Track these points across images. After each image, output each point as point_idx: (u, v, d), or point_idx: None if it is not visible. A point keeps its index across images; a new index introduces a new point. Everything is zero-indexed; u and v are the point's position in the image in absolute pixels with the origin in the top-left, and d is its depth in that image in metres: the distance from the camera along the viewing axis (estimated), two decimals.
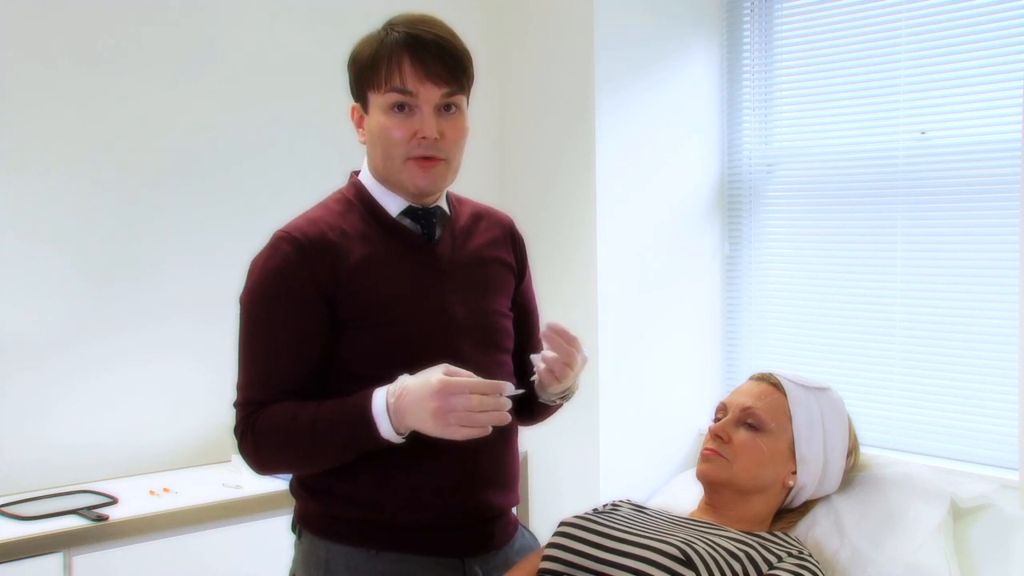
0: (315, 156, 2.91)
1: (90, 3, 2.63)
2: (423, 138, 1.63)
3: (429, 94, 1.63)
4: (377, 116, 1.65)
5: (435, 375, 1.51)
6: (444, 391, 1.48)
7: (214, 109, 2.83)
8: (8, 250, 2.55)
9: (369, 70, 1.65)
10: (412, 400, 1.51)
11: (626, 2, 3.01)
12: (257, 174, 2.89)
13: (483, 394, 1.50)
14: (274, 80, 2.92)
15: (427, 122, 1.63)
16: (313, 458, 1.64)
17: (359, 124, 1.71)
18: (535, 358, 1.74)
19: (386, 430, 1.55)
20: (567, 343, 1.68)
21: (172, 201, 2.77)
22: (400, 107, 1.63)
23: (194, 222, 2.80)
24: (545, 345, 1.70)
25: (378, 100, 1.65)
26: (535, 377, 1.76)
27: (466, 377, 1.52)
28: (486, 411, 1.50)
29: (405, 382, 1.54)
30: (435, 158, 1.65)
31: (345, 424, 1.57)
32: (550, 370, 1.70)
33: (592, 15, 2.95)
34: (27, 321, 2.58)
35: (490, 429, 1.53)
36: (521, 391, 1.55)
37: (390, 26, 1.66)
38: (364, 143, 1.72)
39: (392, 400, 1.54)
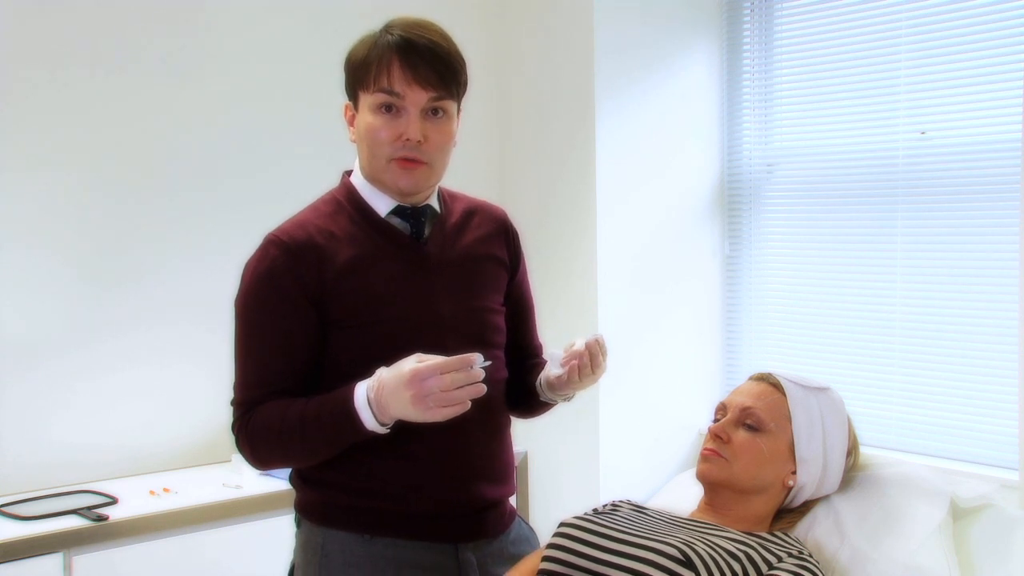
0: (314, 159, 2.90)
1: (90, 7, 2.63)
2: (407, 140, 1.65)
3: (416, 97, 1.64)
4: (365, 115, 1.68)
5: (407, 364, 1.54)
6: (416, 377, 1.51)
7: (213, 113, 2.83)
8: (9, 253, 2.55)
9: (361, 70, 1.67)
10: (389, 391, 1.54)
11: (626, 3, 3.01)
12: (256, 177, 2.89)
13: (455, 371, 1.52)
14: (273, 84, 2.91)
15: (412, 124, 1.65)
16: (304, 453, 1.68)
17: (351, 122, 1.73)
18: (554, 357, 1.76)
19: (370, 422, 1.58)
20: (602, 352, 1.75)
21: (172, 204, 2.77)
22: (387, 108, 1.65)
23: (194, 225, 2.81)
24: (582, 350, 1.73)
25: (367, 100, 1.67)
26: (546, 376, 1.79)
27: (435, 357, 1.54)
28: (461, 387, 1.52)
29: (381, 375, 1.57)
30: (418, 160, 1.67)
31: (331, 419, 1.61)
32: (577, 370, 1.74)
33: (592, 16, 2.95)
34: (28, 323, 2.58)
35: (469, 404, 1.55)
36: (489, 362, 1.56)
37: (387, 28, 1.68)
38: (354, 141, 1.74)
39: (372, 394, 1.57)
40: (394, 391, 1.53)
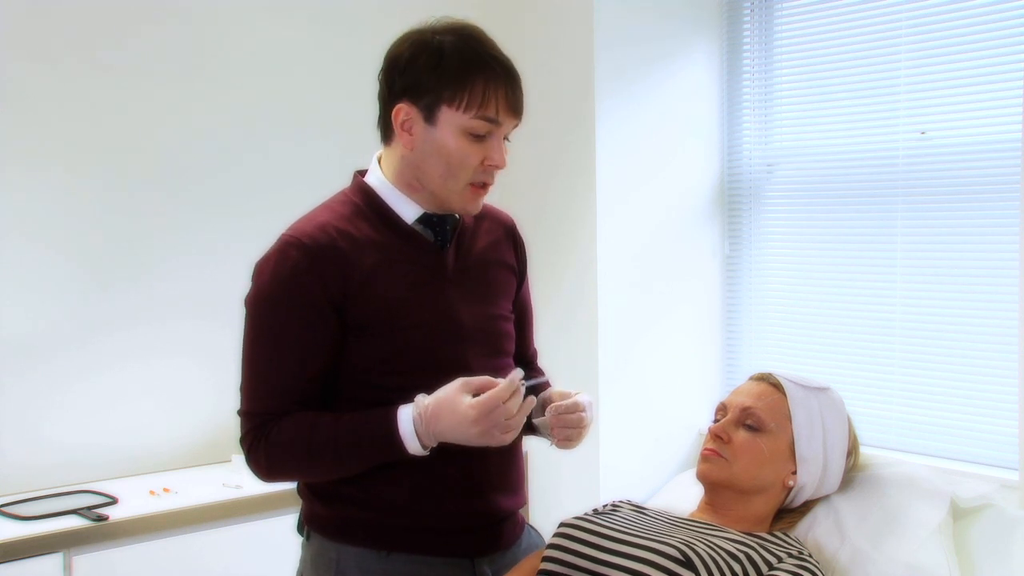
0: (317, 156, 2.91)
1: (93, 4, 2.63)
2: (491, 165, 1.64)
3: (509, 126, 1.65)
4: (450, 135, 1.61)
5: (461, 400, 1.53)
6: (483, 413, 1.52)
7: (216, 109, 2.83)
8: (10, 250, 2.55)
9: (455, 86, 1.59)
10: (450, 427, 1.54)
11: (626, 2, 3.01)
12: (258, 175, 2.89)
13: (511, 397, 1.53)
14: (276, 81, 2.91)
15: (500, 151, 1.64)
16: (332, 472, 1.66)
17: (406, 129, 1.63)
18: (543, 428, 1.76)
19: (414, 448, 1.58)
20: (572, 412, 1.71)
21: (173, 201, 2.77)
22: (482, 134, 1.62)
23: (195, 222, 2.81)
24: (552, 428, 1.72)
25: (458, 120, 1.60)
26: (553, 445, 1.79)
27: (482, 385, 1.55)
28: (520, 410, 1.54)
29: (429, 408, 1.55)
30: (488, 184, 1.68)
31: (370, 443, 1.59)
32: (566, 441, 1.74)
33: (592, 15, 2.95)
34: (28, 321, 2.58)
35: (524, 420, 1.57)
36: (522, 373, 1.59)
37: (465, 39, 1.63)
38: (410, 148, 1.64)
39: (421, 428, 1.56)
40: (456, 427, 1.53)
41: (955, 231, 2.73)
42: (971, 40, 2.66)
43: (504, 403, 1.52)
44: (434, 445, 1.58)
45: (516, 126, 1.67)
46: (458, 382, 1.55)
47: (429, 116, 1.61)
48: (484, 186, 1.67)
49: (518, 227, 1.89)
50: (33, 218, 2.59)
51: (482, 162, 1.63)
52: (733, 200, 3.22)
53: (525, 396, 1.56)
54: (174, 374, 2.79)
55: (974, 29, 2.65)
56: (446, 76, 1.59)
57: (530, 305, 1.93)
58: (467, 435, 1.54)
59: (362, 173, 1.74)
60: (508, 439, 1.55)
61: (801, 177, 3.08)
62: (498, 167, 1.64)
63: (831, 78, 2.96)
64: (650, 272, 3.11)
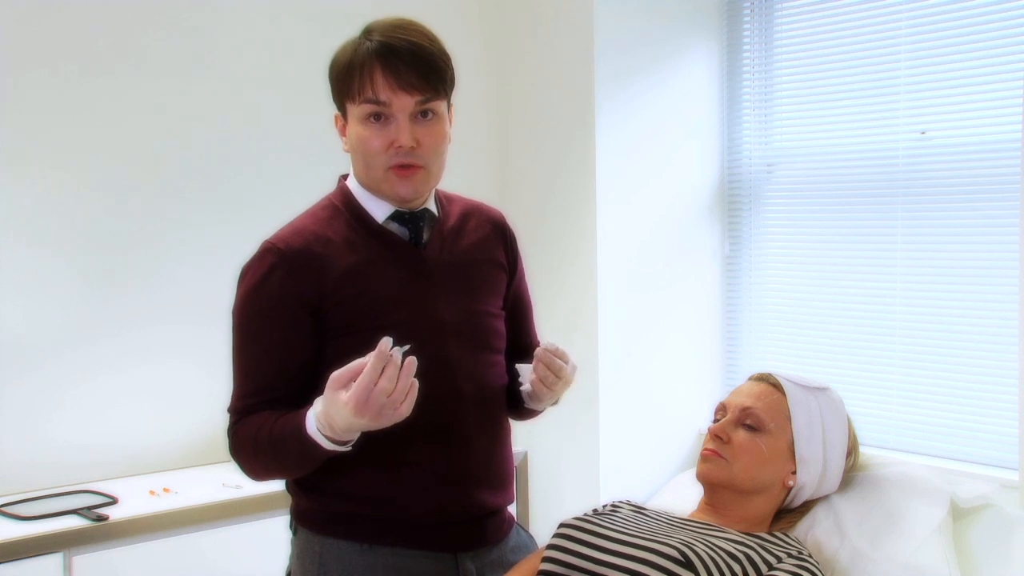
0: (314, 161, 2.88)
1: (91, 7, 2.63)
2: (399, 147, 1.64)
3: (402, 103, 1.63)
4: (355, 126, 1.66)
5: (338, 398, 1.49)
6: (359, 403, 1.47)
7: (214, 114, 2.83)
8: (9, 252, 2.55)
9: (344, 80, 1.66)
10: (345, 426, 1.52)
11: (626, 2, 3.01)
12: (256, 179, 2.89)
13: (383, 371, 1.47)
14: (274, 87, 2.91)
15: (402, 131, 1.63)
16: (279, 469, 1.69)
17: (342, 132, 1.72)
18: (522, 371, 1.75)
19: (329, 446, 1.56)
20: (559, 358, 1.72)
21: (173, 204, 2.77)
22: (376, 117, 1.64)
23: (195, 225, 2.81)
24: (535, 363, 1.71)
25: (354, 111, 1.66)
26: (523, 388, 1.77)
27: (353, 373, 1.49)
28: (399, 380, 1.48)
29: (321, 414, 1.54)
30: (414, 166, 1.66)
31: (292, 442, 1.59)
32: (541, 382, 1.72)
33: (592, 15, 2.95)
34: (28, 322, 2.58)
35: (417, 382, 1.50)
36: (396, 344, 1.51)
37: (366, 33, 1.66)
38: (348, 151, 1.72)
39: (327, 430, 1.54)
40: (349, 422, 1.50)
41: (955, 231, 2.73)
42: (971, 40, 2.66)
43: (376, 384, 1.46)
44: (353, 439, 1.56)
45: (425, 101, 1.63)
46: (330, 379, 1.52)
47: (345, 116, 1.69)
48: (405, 167, 1.65)
49: (508, 222, 1.89)
50: (33, 220, 2.59)
51: (391, 145, 1.64)
52: (733, 200, 3.22)
53: (405, 357, 1.50)
54: (174, 375, 2.79)
55: (974, 29, 2.66)
56: (340, 73, 1.67)
57: (527, 299, 1.93)
58: (361, 424, 1.50)
59: (346, 177, 1.78)
60: (405, 410, 1.50)
61: (801, 177, 3.08)
62: (402, 147, 1.63)
63: (831, 78, 2.96)
64: (650, 272, 3.11)
